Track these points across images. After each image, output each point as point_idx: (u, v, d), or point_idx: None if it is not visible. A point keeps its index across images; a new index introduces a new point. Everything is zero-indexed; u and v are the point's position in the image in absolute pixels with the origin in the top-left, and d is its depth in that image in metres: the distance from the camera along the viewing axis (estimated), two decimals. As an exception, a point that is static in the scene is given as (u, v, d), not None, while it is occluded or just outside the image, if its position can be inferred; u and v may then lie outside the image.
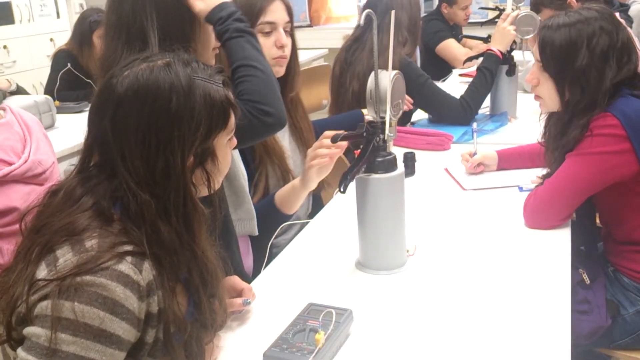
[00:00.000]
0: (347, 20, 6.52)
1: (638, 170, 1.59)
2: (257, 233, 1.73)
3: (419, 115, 2.85)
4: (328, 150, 1.57)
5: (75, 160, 1.10)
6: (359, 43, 2.61)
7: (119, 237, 0.97)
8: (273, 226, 1.72)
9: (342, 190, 1.36)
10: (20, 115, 1.75)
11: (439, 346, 1.18)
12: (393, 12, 1.39)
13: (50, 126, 3.07)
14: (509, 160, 2.07)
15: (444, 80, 3.71)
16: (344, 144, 1.55)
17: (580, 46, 1.60)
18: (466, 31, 4.53)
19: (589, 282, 1.72)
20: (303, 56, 4.87)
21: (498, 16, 2.84)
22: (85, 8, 5.11)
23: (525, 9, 2.69)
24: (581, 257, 1.78)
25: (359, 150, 1.41)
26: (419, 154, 2.06)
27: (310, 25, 6.44)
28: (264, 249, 1.65)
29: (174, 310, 1.02)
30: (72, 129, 3.08)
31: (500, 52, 2.66)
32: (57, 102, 3.41)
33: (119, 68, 1.05)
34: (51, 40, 5.30)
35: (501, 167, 2.07)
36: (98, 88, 1.07)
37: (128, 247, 0.97)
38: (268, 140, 1.86)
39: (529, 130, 2.21)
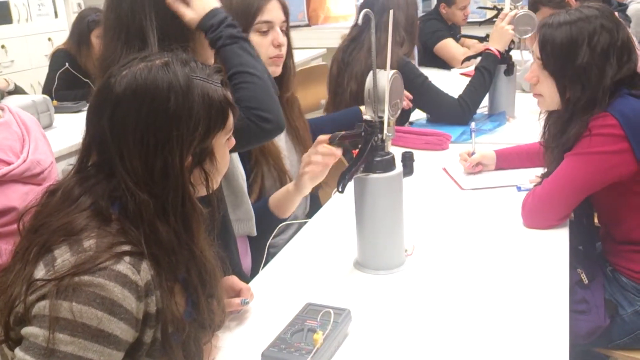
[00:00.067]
0: (345, 19, 6.51)
1: (636, 169, 1.59)
2: (255, 233, 1.73)
3: (417, 114, 2.85)
4: (322, 158, 1.57)
5: (73, 160, 1.10)
6: (356, 43, 2.61)
7: (117, 237, 0.97)
8: (268, 229, 1.72)
9: (340, 189, 1.36)
10: (19, 115, 1.75)
11: (438, 346, 1.18)
12: (391, 11, 1.39)
13: (48, 126, 3.07)
14: (507, 159, 2.07)
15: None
16: (339, 151, 1.55)
17: (581, 44, 1.61)
18: (464, 31, 4.53)
19: (587, 281, 1.72)
20: (301, 56, 4.86)
21: (496, 15, 2.84)
22: (83, 7, 5.13)
23: (523, 9, 2.69)
24: (579, 256, 1.77)
25: (357, 150, 1.41)
26: (417, 154, 2.06)
27: (308, 25, 6.42)
28: (262, 249, 1.65)
29: (172, 310, 1.02)
30: (70, 129, 3.07)
31: (499, 51, 2.65)
32: (55, 102, 3.41)
33: (117, 68, 1.04)
34: (49, 39, 5.30)
35: (499, 166, 2.07)
36: (96, 87, 1.06)
37: (126, 247, 0.97)
38: None
39: (527, 129, 2.21)
